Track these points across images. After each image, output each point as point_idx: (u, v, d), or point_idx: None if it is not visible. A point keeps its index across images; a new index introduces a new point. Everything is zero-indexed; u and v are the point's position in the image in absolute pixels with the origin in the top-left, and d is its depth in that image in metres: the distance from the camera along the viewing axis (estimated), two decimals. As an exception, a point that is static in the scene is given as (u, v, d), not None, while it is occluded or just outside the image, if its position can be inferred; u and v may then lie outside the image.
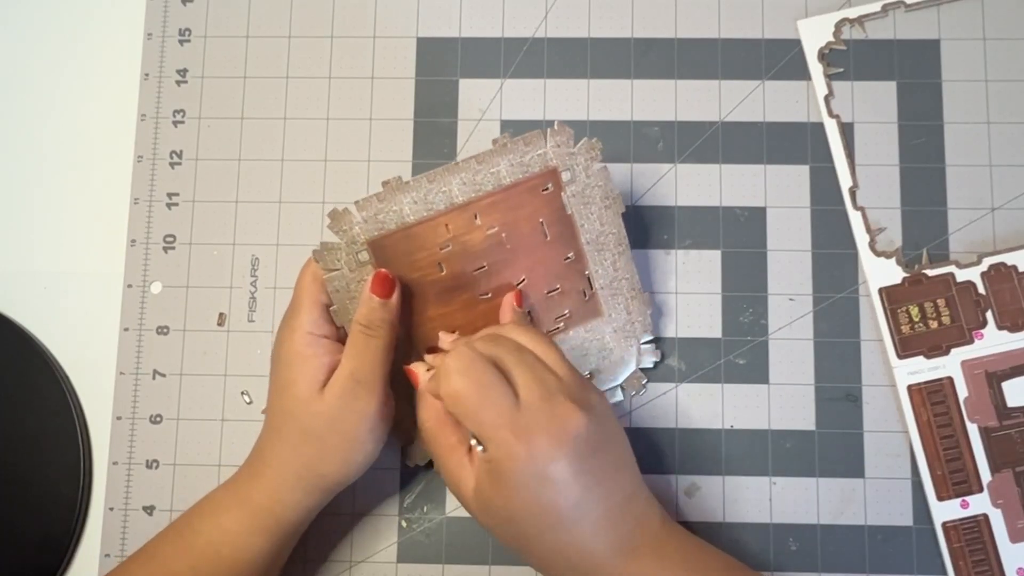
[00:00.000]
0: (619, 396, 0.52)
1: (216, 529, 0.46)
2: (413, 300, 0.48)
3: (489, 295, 0.49)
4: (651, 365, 0.53)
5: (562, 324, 0.50)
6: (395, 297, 0.46)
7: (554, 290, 0.50)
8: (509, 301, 0.48)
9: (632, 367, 0.52)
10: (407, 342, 0.49)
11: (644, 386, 0.53)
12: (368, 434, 0.46)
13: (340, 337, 0.47)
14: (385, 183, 0.47)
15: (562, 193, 0.49)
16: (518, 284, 0.49)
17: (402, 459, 0.52)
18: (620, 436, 0.44)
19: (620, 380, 0.52)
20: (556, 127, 0.48)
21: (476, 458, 0.43)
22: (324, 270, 0.47)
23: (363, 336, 0.45)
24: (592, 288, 0.50)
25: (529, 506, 0.41)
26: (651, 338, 0.52)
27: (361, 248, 0.47)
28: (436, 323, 0.49)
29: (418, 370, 0.47)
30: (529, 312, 0.50)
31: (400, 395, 0.48)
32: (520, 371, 0.42)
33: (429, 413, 0.45)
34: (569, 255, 0.50)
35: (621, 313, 0.51)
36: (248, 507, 0.46)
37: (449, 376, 0.42)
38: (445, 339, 0.48)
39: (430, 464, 0.51)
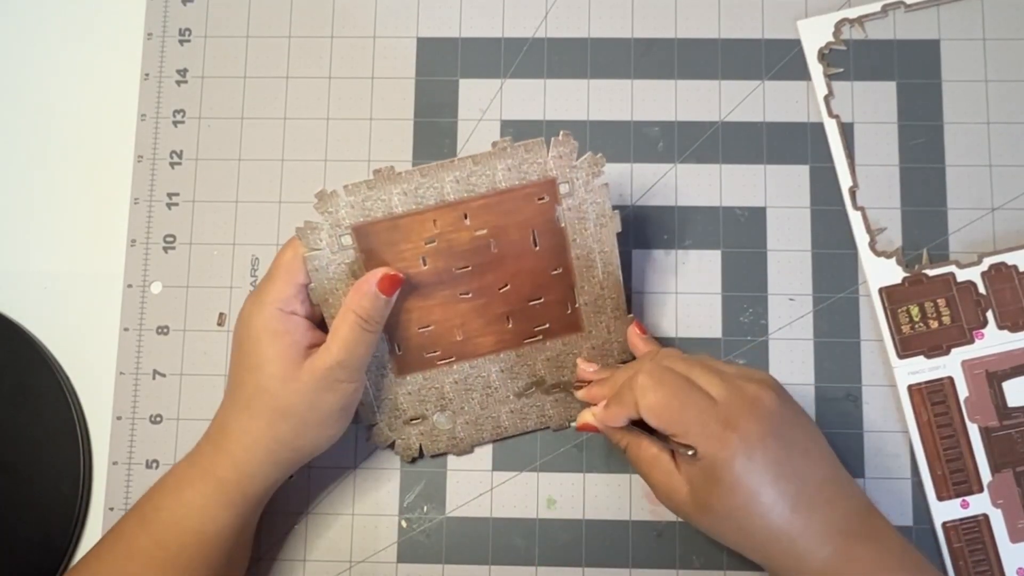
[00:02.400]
0: None
1: (179, 504, 0.46)
2: None
3: (470, 295, 0.48)
4: None
5: (540, 335, 0.50)
6: (395, 295, 0.46)
7: (536, 300, 0.49)
8: (635, 332, 0.50)
9: None
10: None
11: None
12: (342, 412, 0.47)
13: (311, 316, 0.47)
14: (377, 171, 0.46)
15: (557, 206, 0.48)
16: (500, 289, 0.49)
17: (401, 459, 0.52)
18: (804, 413, 0.46)
19: None
20: (561, 137, 0.47)
21: (685, 465, 0.44)
22: (306, 248, 0.46)
23: (360, 329, 0.45)
24: (576, 303, 0.50)
25: (751, 493, 0.42)
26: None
27: (345, 232, 0.46)
28: (412, 315, 0.48)
29: (587, 416, 0.47)
30: (507, 316, 0.49)
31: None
32: (700, 373, 0.45)
33: (620, 436, 0.47)
34: (557, 269, 0.49)
35: (602, 331, 0.51)
36: (212, 481, 0.46)
37: (647, 392, 0.44)
38: (585, 367, 0.49)
39: (391, 446, 0.51)
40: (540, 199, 0.47)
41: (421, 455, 0.52)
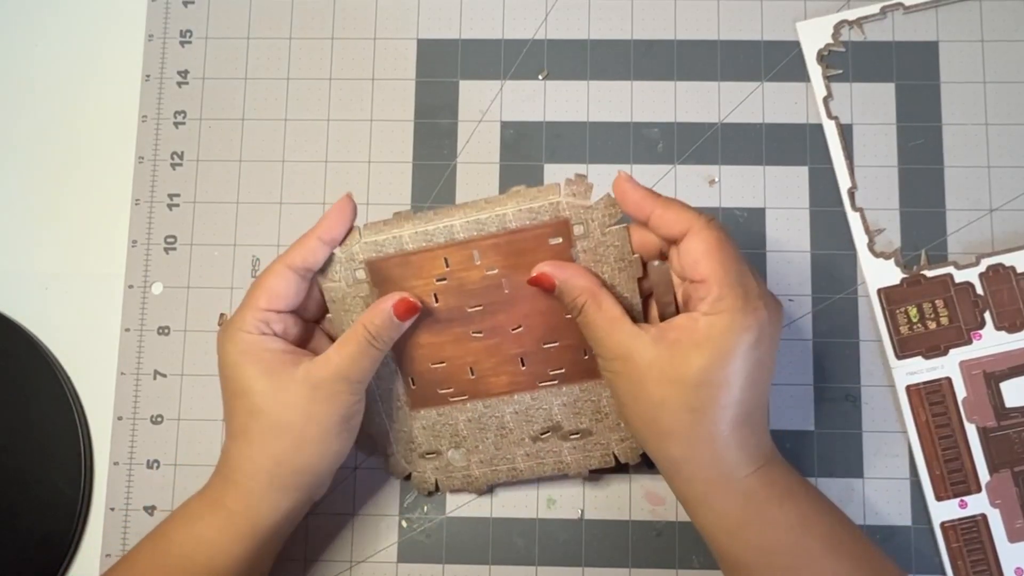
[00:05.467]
0: (611, 462, 0.50)
1: (190, 538, 0.45)
2: None
3: (482, 334, 0.48)
4: None
5: (556, 380, 0.49)
6: (409, 323, 0.46)
7: (552, 343, 0.48)
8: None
9: (628, 436, 0.49)
10: (394, 360, 0.49)
11: (639, 458, 0.50)
12: (342, 425, 0.45)
13: (284, 335, 0.46)
14: (396, 214, 0.47)
15: (571, 248, 0.46)
16: (513, 330, 0.47)
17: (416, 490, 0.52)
18: None
19: (613, 447, 0.49)
20: (574, 177, 0.45)
21: (661, 327, 0.43)
22: (325, 280, 0.47)
23: (366, 344, 0.45)
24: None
25: (734, 374, 0.42)
26: None
27: (359, 266, 0.47)
28: (424, 351, 0.48)
29: (546, 266, 0.45)
30: (522, 359, 0.48)
31: (371, 408, 0.49)
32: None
33: (580, 292, 0.44)
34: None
35: None
36: (222, 513, 0.45)
37: (714, 226, 0.43)
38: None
39: (407, 478, 0.51)
40: (553, 240, 0.46)
41: (437, 489, 0.51)
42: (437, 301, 0.47)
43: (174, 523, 0.46)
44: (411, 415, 0.49)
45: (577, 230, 0.46)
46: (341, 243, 0.46)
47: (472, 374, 0.48)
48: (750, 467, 0.43)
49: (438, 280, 0.47)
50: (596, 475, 0.52)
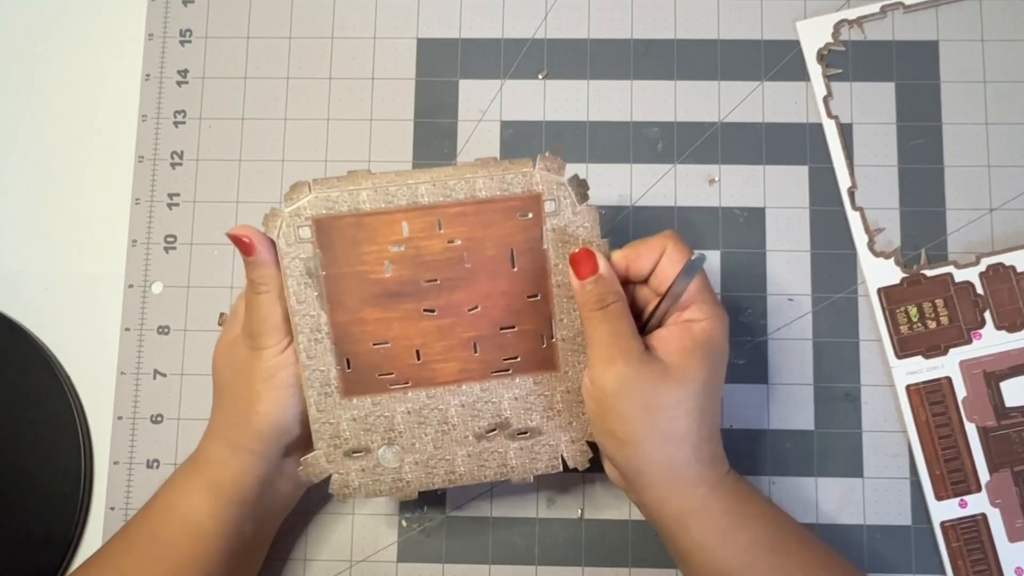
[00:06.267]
0: (558, 466, 0.46)
1: (171, 490, 0.47)
2: (349, 295, 0.44)
3: (435, 312, 0.44)
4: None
5: (509, 369, 0.45)
6: (263, 254, 0.43)
7: (509, 328, 0.45)
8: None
9: (579, 438, 0.46)
10: (330, 337, 0.44)
11: (588, 463, 0.46)
12: (265, 383, 0.44)
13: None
14: (351, 172, 0.44)
15: (542, 224, 0.44)
16: (469, 311, 0.44)
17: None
18: None
19: (562, 449, 0.46)
20: (547, 155, 0.44)
21: (687, 326, 0.44)
22: (268, 232, 0.44)
23: (250, 294, 0.45)
24: (553, 337, 0.45)
25: (716, 373, 0.44)
26: None
27: (304, 223, 0.43)
28: (369, 327, 0.44)
29: (594, 250, 0.44)
30: (474, 344, 0.45)
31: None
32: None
33: (618, 288, 0.44)
34: (535, 296, 0.45)
35: (579, 374, 0.45)
36: (193, 464, 0.47)
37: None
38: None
39: (326, 480, 0.46)
40: (523, 215, 0.44)
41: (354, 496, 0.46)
42: (389, 271, 0.44)
43: (164, 483, 0.48)
44: (341, 404, 0.45)
45: (548, 206, 0.44)
46: (288, 197, 0.43)
47: (418, 359, 0.45)
48: (725, 464, 0.45)
49: (394, 247, 0.44)
50: (591, 474, 0.52)
